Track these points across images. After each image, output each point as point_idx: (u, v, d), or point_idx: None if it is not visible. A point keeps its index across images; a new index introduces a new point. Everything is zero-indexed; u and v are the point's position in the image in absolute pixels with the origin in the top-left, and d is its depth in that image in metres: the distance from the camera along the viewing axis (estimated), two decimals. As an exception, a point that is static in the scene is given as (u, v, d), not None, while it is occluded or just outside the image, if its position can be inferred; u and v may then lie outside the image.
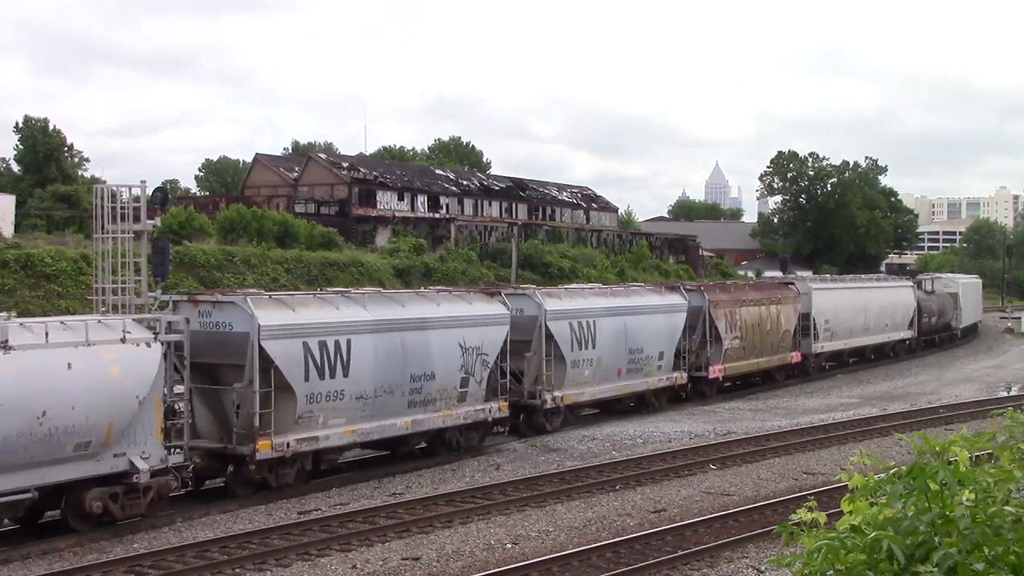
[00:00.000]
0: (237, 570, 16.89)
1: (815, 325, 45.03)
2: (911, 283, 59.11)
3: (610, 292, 34.24)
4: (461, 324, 26.13)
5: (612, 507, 21.00)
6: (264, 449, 21.25)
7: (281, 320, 21.82)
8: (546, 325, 29.16)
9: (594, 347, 30.91)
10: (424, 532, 19.06)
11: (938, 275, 70.82)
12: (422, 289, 30.59)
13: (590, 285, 36.92)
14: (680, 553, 17.32)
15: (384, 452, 25.87)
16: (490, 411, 27.04)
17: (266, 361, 21.41)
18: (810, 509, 5.40)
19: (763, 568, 16.45)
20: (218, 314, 21.87)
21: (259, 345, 21.22)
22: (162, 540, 18.77)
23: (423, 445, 26.31)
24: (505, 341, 27.34)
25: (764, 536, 17.97)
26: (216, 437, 21.83)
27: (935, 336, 61.20)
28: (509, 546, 18.13)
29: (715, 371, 37.56)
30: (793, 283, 45.91)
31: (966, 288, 67.29)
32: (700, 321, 36.66)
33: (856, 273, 72.70)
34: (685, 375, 35.57)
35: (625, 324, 32.23)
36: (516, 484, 22.95)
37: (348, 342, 22.96)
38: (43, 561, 17.48)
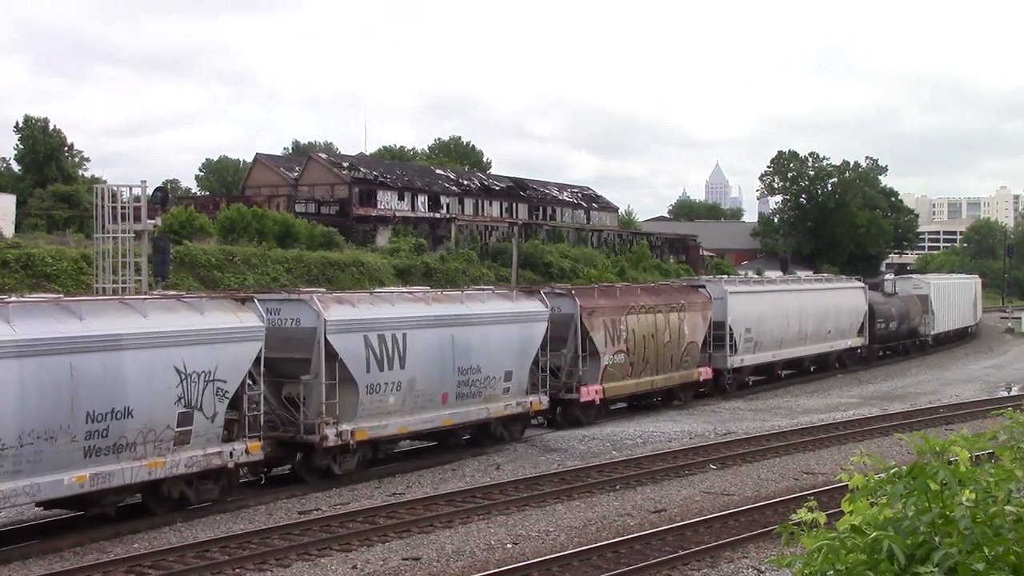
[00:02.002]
0: (237, 570, 16.90)
1: (732, 335, 38.83)
2: (861, 284, 52.20)
3: (433, 297, 27.06)
4: (180, 342, 19.86)
5: (612, 507, 21.01)
6: None
7: None
8: (327, 339, 22.87)
9: (403, 367, 24.42)
10: (424, 532, 19.07)
11: (910, 275, 64.91)
12: (126, 296, 23.92)
13: (407, 288, 30.17)
14: (680, 553, 17.32)
15: (78, 512, 19.97)
16: (231, 454, 20.85)
17: None
18: (810, 509, 5.39)
19: (763, 568, 16.45)
20: None
21: None
22: (162, 540, 18.78)
23: (135, 500, 20.37)
24: (257, 361, 21.47)
25: (764, 536, 17.98)
26: None
27: (899, 344, 55.67)
28: (509, 546, 18.14)
29: (590, 393, 31.14)
30: (703, 286, 39.35)
31: (941, 289, 60.96)
32: (571, 332, 30.73)
33: (857, 274, 71.47)
34: (545, 399, 29.11)
35: (453, 337, 25.84)
36: (516, 484, 22.96)
37: None
38: (43, 561, 17.49)
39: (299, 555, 17.65)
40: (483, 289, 30.76)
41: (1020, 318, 73.90)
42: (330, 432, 22.89)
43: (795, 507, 6.83)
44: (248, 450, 21.32)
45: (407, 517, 20.00)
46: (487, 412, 27.10)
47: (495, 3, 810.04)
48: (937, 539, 4.75)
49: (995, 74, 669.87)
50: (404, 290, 28.76)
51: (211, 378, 20.37)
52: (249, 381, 21.51)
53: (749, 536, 18.25)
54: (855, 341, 49.50)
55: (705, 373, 37.07)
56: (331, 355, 23.05)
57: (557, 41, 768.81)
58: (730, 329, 38.63)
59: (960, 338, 65.25)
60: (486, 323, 27.06)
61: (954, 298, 63.18)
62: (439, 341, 25.59)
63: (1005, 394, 39.49)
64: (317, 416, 22.88)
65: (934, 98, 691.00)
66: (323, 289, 29.19)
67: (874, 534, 4.78)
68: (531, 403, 28.53)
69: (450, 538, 18.61)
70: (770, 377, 43.28)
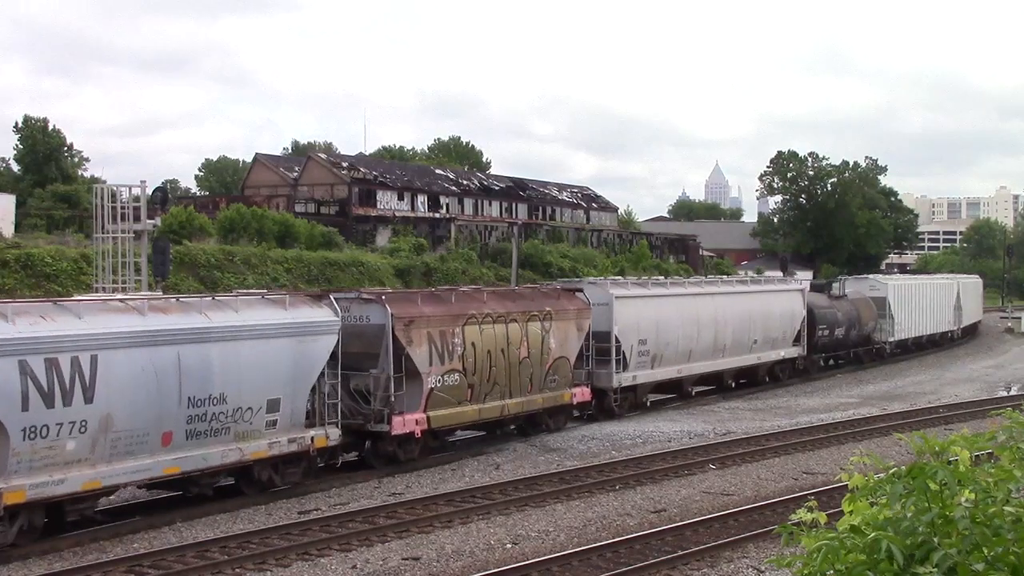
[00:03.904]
0: (237, 570, 16.91)
1: (620, 348, 32.79)
2: (799, 286, 45.65)
3: (153, 306, 20.22)
4: None
5: (612, 507, 21.01)
6: None
7: None
8: None
9: (91, 400, 18.38)
10: (424, 532, 19.08)
11: (865, 276, 59.14)
12: None
13: (111, 295, 23.43)
14: (680, 553, 17.33)
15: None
16: None
17: None
18: (810, 509, 5.39)
19: (763, 568, 16.46)
20: None
21: None
22: (162, 540, 18.78)
23: None
24: None
25: (764, 536, 17.99)
26: None
27: (848, 352, 49.81)
28: (509, 546, 18.15)
29: (406, 423, 24.79)
30: (580, 290, 32.44)
31: (903, 291, 54.72)
32: (383, 348, 24.86)
33: (858, 273, 70.38)
34: (335, 432, 23.18)
35: (179, 358, 19.90)
36: (516, 484, 22.97)
37: None
38: (43, 561, 17.50)
39: (299, 555, 17.66)
40: (247, 294, 24.74)
41: (1020, 318, 73.91)
42: None
43: (795, 507, 6.83)
44: None
45: (406, 517, 20.01)
46: (240, 453, 21.19)
47: (495, 3, 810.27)
48: (936, 539, 4.75)
49: (995, 74, 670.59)
50: (115, 297, 22.05)
51: None
52: None
53: (749, 536, 18.26)
54: (790, 351, 43.04)
55: (581, 394, 30.79)
56: None
57: (557, 41, 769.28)
58: (617, 341, 32.62)
59: (936, 345, 59.48)
60: (239, 338, 21.17)
61: (923, 300, 57.07)
62: (155, 363, 19.59)
63: (1005, 394, 39.51)
64: None
65: (934, 98, 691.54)
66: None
67: (873, 534, 4.78)
68: (313, 439, 22.66)
69: (450, 538, 18.62)
70: (680, 395, 37.53)
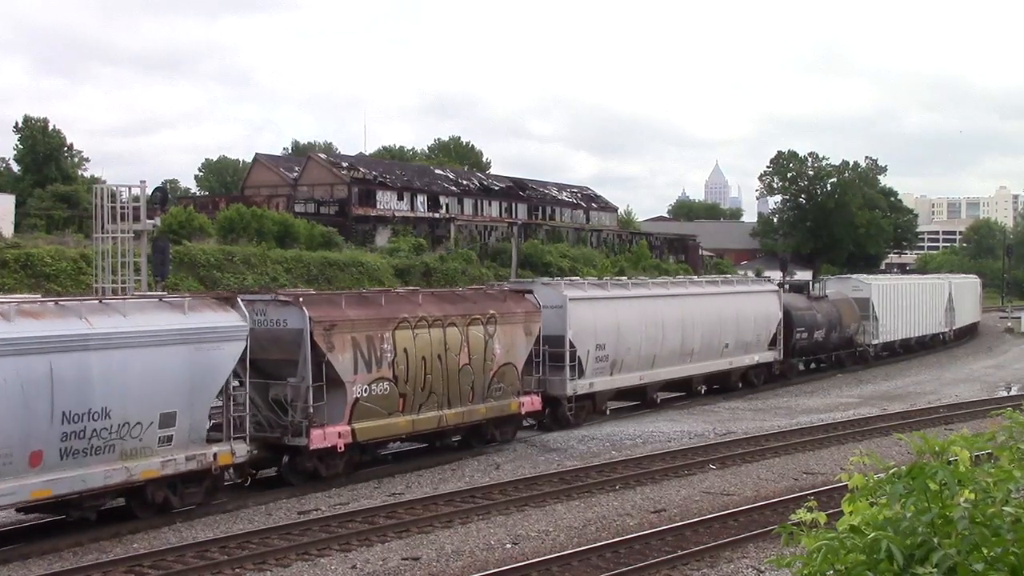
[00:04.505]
0: (237, 570, 16.92)
1: (575, 353, 30.68)
2: (774, 288, 43.24)
3: (23, 310, 18.07)
4: None
5: (612, 507, 21.02)
6: None
7: None
8: None
9: None
10: (424, 532, 19.09)
11: (849, 276, 56.62)
12: None
13: None
14: (680, 553, 17.33)
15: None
16: None
17: None
18: (810, 509, 5.40)
19: (763, 568, 16.46)
20: None
21: None
22: (162, 540, 18.79)
23: None
24: None
25: (764, 536, 17.99)
26: None
27: (829, 355, 47.83)
28: (509, 546, 18.15)
29: (328, 436, 22.88)
30: (530, 291, 30.11)
31: (888, 291, 52.61)
32: (302, 355, 22.91)
33: (859, 273, 69.94)
34: (241, 448, 21.20)
35: (52, 369, 17.72)
36: (516, 484, 22.97)
37: None
38: (43, 561, 17.51)
39: (299, 555, 17.67)
40: (143, 297, 22.17)
41: (1020, 318, 73.91)
42: None
43: (795, 507, 6.83)
44: None
45: (406, 517, 20.02)
46: (127, 473, 19.07)
47: (495, 3, 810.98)
48: (936, 540, 4.75)
49: (995, 74, 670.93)
50: None
51: None
52: None
53: (749, 536, 18.26)
54: (765, 356, 40.85)
55: (530, 403, 28.60)
56: None
57: (557, 41, 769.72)
58: (572, 345, 30.51)
59: (925, 348, 57.82)
60: (126, 346, 19.02)
61: (911, 301, 55.11)
62: (21, 375, 17.39)
63: (1005, 394, 39.52)
64: None
65: (934, 98, 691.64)
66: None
67: (873, 534, 4.78)
68: (216, 455, 20.61)
69: (449, 538, 18.62)
70: (644, 402, 35.23)
